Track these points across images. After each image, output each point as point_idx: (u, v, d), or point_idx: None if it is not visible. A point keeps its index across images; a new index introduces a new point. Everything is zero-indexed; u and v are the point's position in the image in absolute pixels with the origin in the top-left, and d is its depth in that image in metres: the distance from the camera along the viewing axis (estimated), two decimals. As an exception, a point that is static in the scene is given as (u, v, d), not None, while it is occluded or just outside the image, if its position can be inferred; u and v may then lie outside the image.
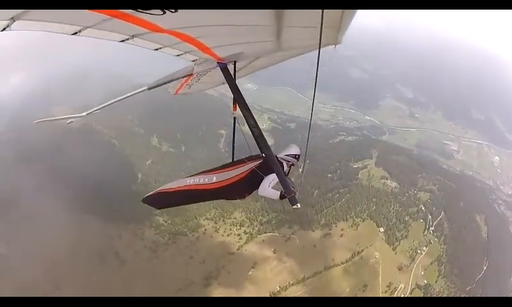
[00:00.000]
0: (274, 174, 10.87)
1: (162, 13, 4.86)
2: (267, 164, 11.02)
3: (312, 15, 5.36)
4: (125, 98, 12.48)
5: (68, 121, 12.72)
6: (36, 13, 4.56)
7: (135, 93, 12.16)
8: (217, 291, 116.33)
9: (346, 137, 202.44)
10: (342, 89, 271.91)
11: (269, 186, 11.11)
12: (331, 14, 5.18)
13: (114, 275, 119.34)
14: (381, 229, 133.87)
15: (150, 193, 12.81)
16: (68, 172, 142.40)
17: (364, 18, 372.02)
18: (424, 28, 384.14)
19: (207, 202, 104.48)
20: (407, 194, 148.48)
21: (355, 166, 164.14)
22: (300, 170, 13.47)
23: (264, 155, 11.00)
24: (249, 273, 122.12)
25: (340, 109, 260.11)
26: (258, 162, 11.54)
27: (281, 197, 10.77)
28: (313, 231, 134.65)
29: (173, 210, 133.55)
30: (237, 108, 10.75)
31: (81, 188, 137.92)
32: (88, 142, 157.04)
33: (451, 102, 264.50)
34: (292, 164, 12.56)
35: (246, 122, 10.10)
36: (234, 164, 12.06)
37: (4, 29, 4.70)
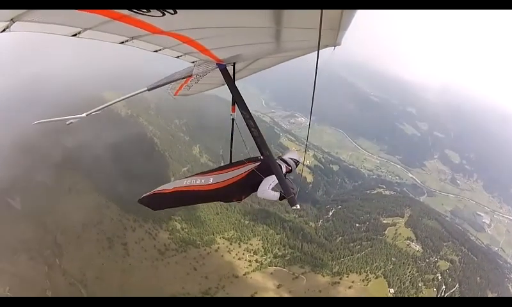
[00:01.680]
0: (273, 175, 10.61)
1: (161, 14, 4.83)
2: (266, 165, 10.78)
3: (310, 16, 5.25)
4: (125, 99, 12.51)
5: (68, 122, 11.92)
6: (36, 15, 4.56)
7: (135, 94, 11.90)
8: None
9: (384, 190, 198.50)
10: (392, 143, 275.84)
11: (269, 188, 10.76)
12: (330, 15, 5.03)
13: (115, 263, 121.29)
14: (392, 290, 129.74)
15: (146, 194, 12.60)
16: (103, 156, 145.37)
17: (427, 79, 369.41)
18: (486, 99, 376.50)
19: (228, 222, 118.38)
20: (427, 260, 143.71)
21: (385, 221, 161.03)
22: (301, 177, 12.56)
23: (262, 156, 10.78)
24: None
25: (385, 161, 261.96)
26: (257, 163, 11.20)
27: (281, 198, 10.58)
28: (323, 276, 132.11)
29: (192, 220, 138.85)
30: (236, 109, 10.71)
31: (112, 175, 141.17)
32: (131, 134, 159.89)
33: (494, 174, 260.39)
34: (290, 170, 11.96)
35: (246, 123, 10.02)
36: (232, 165, 11.84)
37: (3, 30, 4.72)
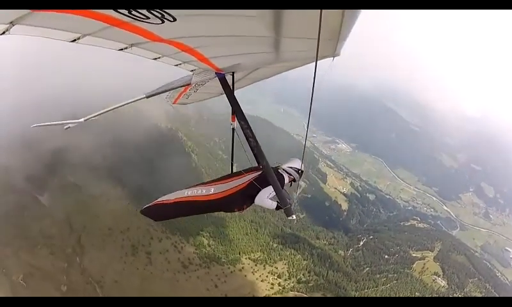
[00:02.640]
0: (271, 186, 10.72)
1: (161, 22, 4.90)
2: (266, 175, 10.73)
3: (310, 26, 5.11)
4: (122, 105, 11.73)
5: (66, 127, 11.59)
6: (35, 19, 4.56)
7: (133, 101, 11.51)
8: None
9: (418, 222, 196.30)
10: (430, 174, 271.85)
11: (267, 197, 10.85)
12: (329, 24, 5.04)
13: (136, 269, 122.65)
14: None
15: (148, 204, 12.30)
16: (139, 166, 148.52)
17: (466, 108, 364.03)
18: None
19: (256, 243, 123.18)
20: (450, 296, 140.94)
21: (414, 255, 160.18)
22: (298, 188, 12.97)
23: (260, 167, 11.13)
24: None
25: (422, 193, 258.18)
26: (257, 173, 11.27)
27: (277, 208, 10.76)
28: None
29: (221, 238, 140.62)
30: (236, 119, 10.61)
31: (145, 185, 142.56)
32: (168, 147, 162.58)
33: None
34: (294, 180, 11.98)
35: (243, 133, 10.18)
36: (233, 175, 11.85)
37: (3, 33, 4.73)
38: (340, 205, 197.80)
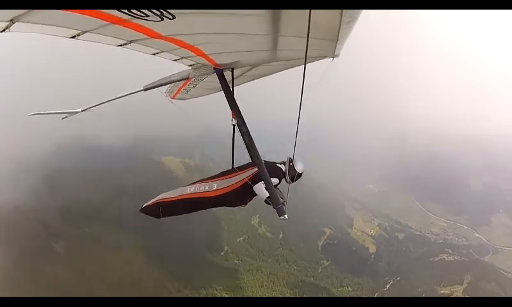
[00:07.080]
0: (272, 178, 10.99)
1: (160, 20, 5.01)
2: (268, 169, 10.86)
3: (306, 26, 5.07)
4: (120, 97, 12.37)
5: (63, 117, 12.91)
6: (35, 16, 4.70)
7: (130, 93, 12.08)
8: None
9: (448, 256, 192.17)
10: (459, 202, 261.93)
11: (264, 188, 11.03)
12: (328, 24, 5.34)
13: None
14: None
15: (149, 202, 12.65)
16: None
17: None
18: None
19: (271, 296, 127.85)
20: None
21: (442, 291, 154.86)
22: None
23: (253, 164, 11.31)
24: None
25: (452, 223, 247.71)
26: (257, 168, 11.19)
27: (266, 201, 10.94)
28: None
29: (235, 290, 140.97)
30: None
31: (161, 236, 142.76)
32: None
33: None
34: (284, 175, 11.74)
35: (239, 130, 10.40)
36: (234, 171, 11.91)
37: (3, 31, 4.84)
38: (368, 248, 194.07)
